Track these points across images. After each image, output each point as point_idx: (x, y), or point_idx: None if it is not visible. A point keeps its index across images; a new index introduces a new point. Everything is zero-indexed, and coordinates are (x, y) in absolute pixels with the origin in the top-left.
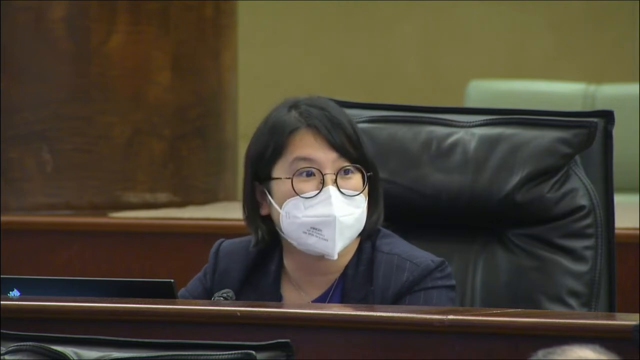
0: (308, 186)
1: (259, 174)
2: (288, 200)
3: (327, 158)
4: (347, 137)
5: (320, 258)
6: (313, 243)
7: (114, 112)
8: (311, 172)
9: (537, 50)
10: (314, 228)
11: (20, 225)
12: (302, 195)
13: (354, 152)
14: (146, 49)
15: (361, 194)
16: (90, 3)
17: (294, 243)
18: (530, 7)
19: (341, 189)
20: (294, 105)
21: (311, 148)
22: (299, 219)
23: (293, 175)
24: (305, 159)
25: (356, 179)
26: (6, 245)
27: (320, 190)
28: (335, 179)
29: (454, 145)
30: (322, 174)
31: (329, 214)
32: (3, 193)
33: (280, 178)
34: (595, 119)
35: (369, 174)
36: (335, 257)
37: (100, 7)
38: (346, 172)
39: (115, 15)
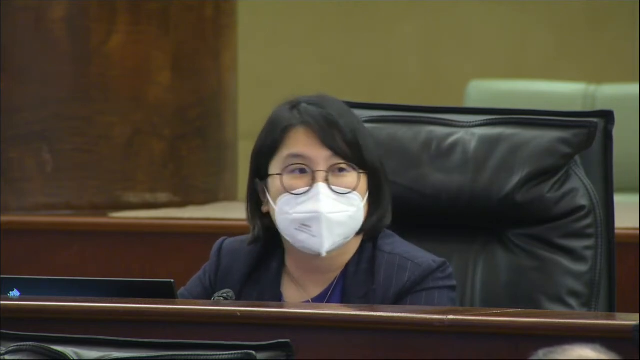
0: (299, 183)
1: (260, 170)
2: (281, 197)
3: (319, 155)
4: (342, 135)
5: (317, 256)
6: (304, 240)
7: (114, 112)
8: (303, 169)
9: (537, 50)
10: (303, 224)
11: (20, 225)
12: (292, 192)
13: (349, 151)
14: (146, 49)
15: (354, 192)
16: (90, 3)
17: (290, 240)
18: (530, 7)
19: (332, 187)
20: (295, 103)
21: (303, 145)
22: (290, 216)
23: (283, 171)
24: (297, 155)
25: (352, 178)
26: (6, 245)
27: (310, 187)
28: (328, 177)
29: (454, 145)
30: (313, 171)
31: (316, 210)
32: (3, 193)
33: (273, 175)
34: (595, 119)
35: (361, 172)
36: (324, 253)
37: (100, 7)
38: (340, 170)
39: (115, 15)
